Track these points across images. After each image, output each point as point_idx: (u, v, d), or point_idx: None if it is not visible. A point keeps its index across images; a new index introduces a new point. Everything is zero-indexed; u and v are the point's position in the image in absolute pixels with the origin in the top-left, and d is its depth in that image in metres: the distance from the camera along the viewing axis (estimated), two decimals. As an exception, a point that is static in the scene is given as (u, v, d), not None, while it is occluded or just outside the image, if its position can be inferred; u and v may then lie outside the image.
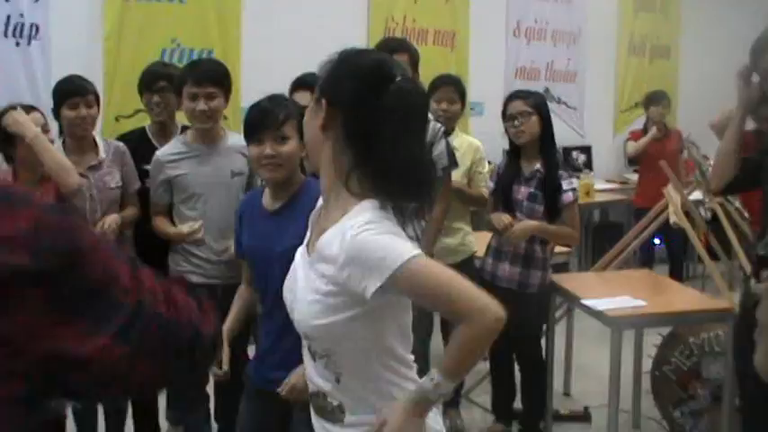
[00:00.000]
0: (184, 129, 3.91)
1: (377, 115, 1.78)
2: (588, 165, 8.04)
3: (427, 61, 7.01)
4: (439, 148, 3.84)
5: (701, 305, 3.82)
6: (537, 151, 4.05)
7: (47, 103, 5.35)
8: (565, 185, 4.02)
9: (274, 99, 2.81)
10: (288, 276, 2.03)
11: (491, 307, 1.75)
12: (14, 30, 5.32)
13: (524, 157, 4.08)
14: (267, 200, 2.82)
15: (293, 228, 2.44)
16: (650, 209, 4.59)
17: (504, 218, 3.98)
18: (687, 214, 4.19)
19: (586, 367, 5.13)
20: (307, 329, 1.90)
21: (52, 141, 3.40)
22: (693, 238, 3.95)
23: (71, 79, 3.77)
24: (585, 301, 3.84)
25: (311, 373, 1.98)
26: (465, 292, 1.76)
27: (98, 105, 3.75)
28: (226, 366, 2.83)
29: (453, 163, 4.00)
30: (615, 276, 4.46)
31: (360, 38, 6.74)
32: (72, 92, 3.65)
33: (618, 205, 7.47)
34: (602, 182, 7.87)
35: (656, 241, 8.31)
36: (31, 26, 5.37)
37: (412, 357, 1.97)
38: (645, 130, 6.96)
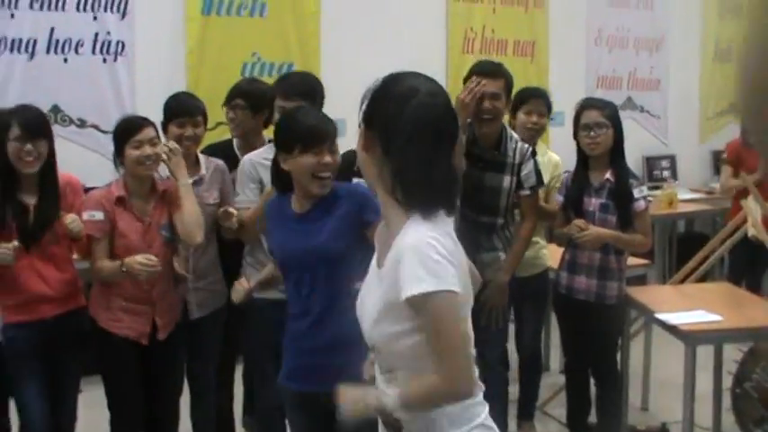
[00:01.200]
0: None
1: (401, 130, 1.90)
2: (673, 174, 7.89)
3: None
4: (528, 168, 3.92)
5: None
6: (607, 162, 4.01)
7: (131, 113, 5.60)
8: (636, 193, 3.99)
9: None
10: (360, 293, 2.11)
11: (466, 382, 1.89)
12: (102, 47, 5.51)
13: (593, 168, 4.04)
14: (296, 204, 2.93)
15: (324, 229, 2.76)
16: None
17: (579, 221, 3.95)
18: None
19: (666, 382, 5.02)
20: (373, 341, 2.00)
21: (157, 155, 3.48)
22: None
23: (182, 98, 3.89)
24: (659, 315, 3.78)
25: (380, 386, 2.04)
26: (457, 354, 1.86)
27: (205, 124, 3.83)
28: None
29: (540, 182, 4.03)
30: (692, 289, 4.37)
31: (438, 48, 6.78)
32: (181, 111, 3.74)
33: (703, 215, 7.27)
34: (686, 191, 7.70)
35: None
36: (118, 43, 5.55)
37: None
38: (743, 135, 6.13)
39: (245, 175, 3.71)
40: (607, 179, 4.00)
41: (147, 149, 3.42)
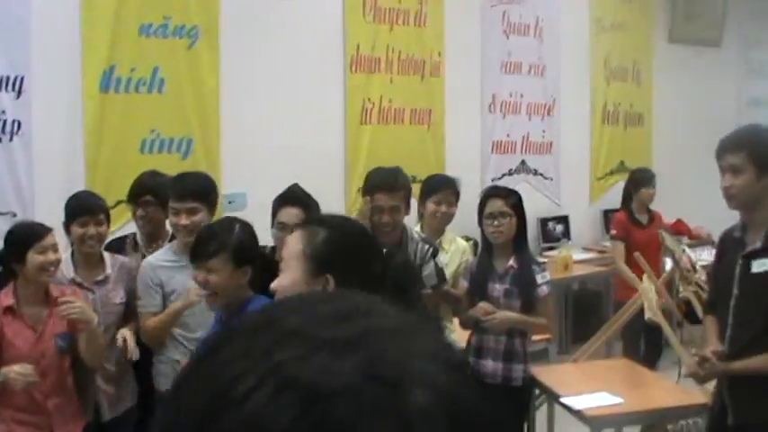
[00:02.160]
0: (173, 237, 3.97)
1: (374, 287, 1.88)
2: (566, 234, 8.15)
3: (404, 140, 7.17)
4: (428, 269, 3.98)
5: (678, 401, 3.88)
6: (511, 249, 4.14)
7: (29, 198, 5.48)
8: (539, 279, 4.12)
9: (221, 223, 3.10)
10: None
11: None
12: (-3, 127, 5.38)
13: (497, 255, 4.17)
14: None
15: None
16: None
17: (485, 305, 4.05)
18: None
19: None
20: None
21: (59, 261, 3.42)
22: (669, 335, 4.02)
23: (83, 197, 3.84)
24: (565, 400, 3.91)
25: None
26: None
27: (108, 222, 3.77)
28: None
29: (442, 280, 4.10)
30: (593, 368, 4.52)
31: (337, 120, 6.86)
32: (82, 210, 3.68)
33: (597, 277, 7.51)
34: (579, 251, 7.96)
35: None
36: (14, 122, 5.42)
37: None
38: (626, 209, 6.22)
39: (148, 279, 3.68)
40: (511, 266, 4.12)
41: (51, 255, 3.37)
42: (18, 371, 3.22)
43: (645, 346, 5.49)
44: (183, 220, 3.58)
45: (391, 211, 3.88)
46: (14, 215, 5.41)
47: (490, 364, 4.15)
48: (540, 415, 4.79)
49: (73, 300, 3.37)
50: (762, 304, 3.10)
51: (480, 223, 4.21)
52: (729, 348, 3.16)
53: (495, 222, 4.09)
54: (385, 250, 2.39)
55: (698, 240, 7.63)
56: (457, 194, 4.57)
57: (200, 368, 0.67)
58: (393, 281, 1.93)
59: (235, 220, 3.12)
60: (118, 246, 4.13)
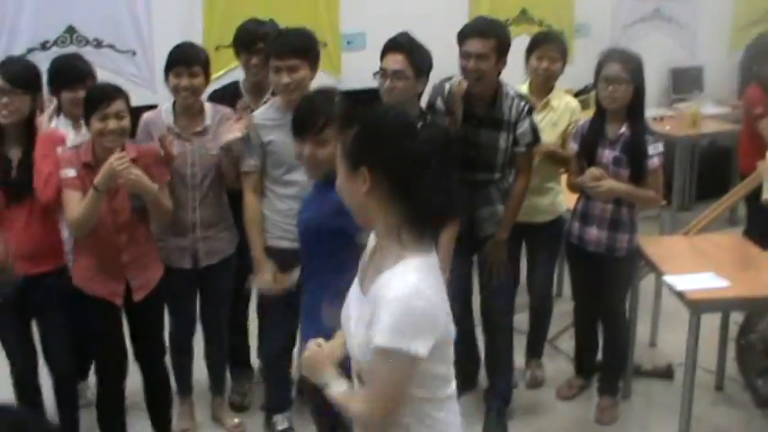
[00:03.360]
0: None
1: (415, 163, 1.92)
2: (699, 86, 7.74)
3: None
4: (524, 126, 3.84)
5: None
6: (624, 115, 3.95)
7: (147, 36, 5.53)
8: (651, 150, 3.94)
9: (321, 95, 2.99)
10: (343, 308, 2.17)
11: (376, 420, 2.01)
12: (116, -36, 5.38)
13: (610, 120, 3.99)
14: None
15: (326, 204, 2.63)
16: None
17: (594, 170, 3.93)
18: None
19: (675, 315, 5.02)
20: (358, 362, 2.06)
21: (122, 129, 3.39)
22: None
23: (182, 47, 3.77)
24: (667, 278, 3.80)
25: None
26: (382, 402, 1.97)
27: (206, 75, 3.72)
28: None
29: (537, 139, 3.94)
30: (704, 243, 4.34)
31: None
32: (176, 60, 3.66)
33: (728, 134, 7.07)
34: (713, 104, 7.57)
35: None
36: (132, -40, 5.42)
37: (444, 397, 2.08)
38: (762, 86, 5.37)
39: (249, 139, 3.68)
40: (622, 133, 3.95)
41: (111, 123, 3.31)
42: (112, 162, 3.25)
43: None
44: (286, 78, 3.54)
45: (478, 58, 3.71)
46: (134, 53, 5.50)
47: (595, 232, 4.06)
48: (648, 284, 4.73)
49: (131, 171, 3.31)
50: None
51: (595, 85, 4.02)
52: None
53: (611, 87, 3.89)
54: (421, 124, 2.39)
55: None
56: (562, 50, 4.35)
57: None
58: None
59: (334, 90, 3.06)
60: (221, 95, 4.11)
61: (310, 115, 2.87)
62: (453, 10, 6.26)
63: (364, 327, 1.96)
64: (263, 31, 4.11)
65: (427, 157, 1.91)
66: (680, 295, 3.70)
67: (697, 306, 3.66)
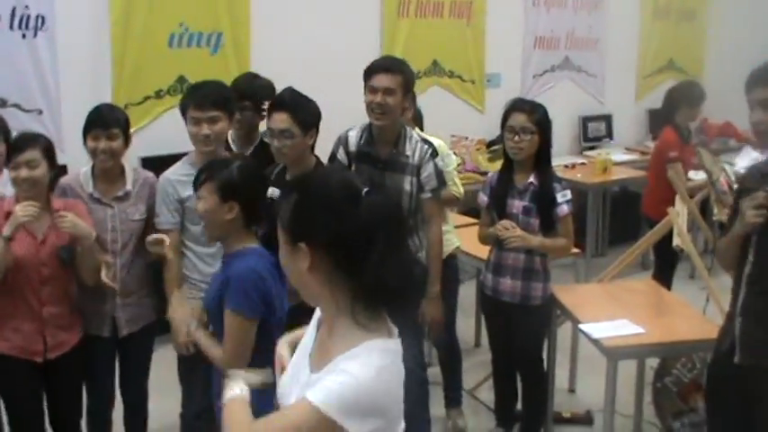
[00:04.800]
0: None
1: (359, 238, 1.71)
2: (609, 134, 7.93)
3: (443, 34, 6.95)
4: (428, 170, 3.83)
5: (702, 334, 3.71)
6: (531, 164, 4.00)
7: (54, 95, 5.41)
8: (559, 198, 3.98)
9: (217, 160, 3.24)
10: (286, 374, 2.00)
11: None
12: (20, 22, 5.25)
13: (518, 170, 4.03)
14: None
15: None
16: (660, 221, 4.48)
17: (506, 222, 3.96)
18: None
19: (593, 361, 5.08)
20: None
21: (33, 179, 3.35)
22: (698, 264, 3.86)
23: (100, 109, 3.68)
24: (583, 327, 3.82)
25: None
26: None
27: (125, 137, 3.63)
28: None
29: (442, 184, 3.94)
30: (618, 289, 4.40)
31: (374, 13, 6.62)
32: (94, 123, 3.56)
33: (637, 181, 7.24)
34: (622, 151, 7.75)
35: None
36: (37, 17, 5.29)
37: None
38: (678, 131, 5.75)
39: (165, 195, 3.62)
40: (531, 182, 3.99)
41: (23, 172, 3.30)
42: (19, 208, 3.23)
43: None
44: (205, 130, 3.51)
45: (384, 92, 3.72)
46: (40, 112, 5.37)
47: (509, 282, 4.07)
48: (565, 331, 4.76)
49: (65, 214, 3.33)
50: None
51: (502, 136, 4.06)
52: (749, 283, 3.03)
53: (516, 138, 3.94)
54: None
55: (746, 142, 7.33)
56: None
57: None
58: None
59: (238, 159, 3.19)
60: None
61: (201, 171, 3.05)
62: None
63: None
64: (250, 88, 4.31)
65: (373, 229, 1.71)
66: (596, 343, 3.72)
67: (613, 353, 3.68)
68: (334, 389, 1.66)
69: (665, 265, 5.47)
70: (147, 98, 5.76)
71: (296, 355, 1.99)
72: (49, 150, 3.40)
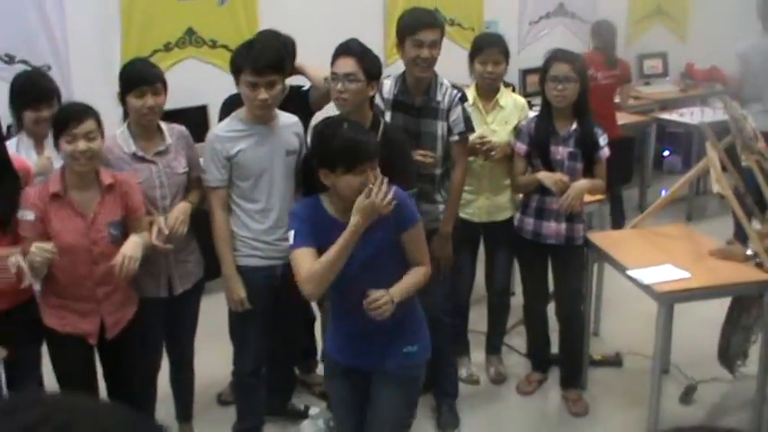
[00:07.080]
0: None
1: None
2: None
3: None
4: (455, 114, 3.90)
5: (748, 276, 3.82)
6: (572, 112, 4.09)
7: (63, 50, 5.29)
8: (602, 141, 4.13)
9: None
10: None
11: None
12: (27, -23, 5.13)
13: (559, 117, 4.11)
14: (334, 210, 2.96)
15: (370, 240, 2.87)
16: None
17: (558, 177, 4.05)
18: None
19: (615, 305, 5.21)
20: None
21: (91, 151, 3.20)
22: (738, 211, 3.91)
23: (138, 66, 3.59)
24: (632, 272, 3.87)
25: None
26: None
27: (166, 92, 3.52)
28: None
29: (470, 128, 3.99)
30: (652, 235, 4.43)
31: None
32: (139, 80, 3.43)
33: (627, 126, 7.30)
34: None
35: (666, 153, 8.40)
36: (44, -28, 5.18)
37: None
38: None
39: (213, 152, 3.56)
40: (574, 129, 4.08)
41: (81, 145, 3.14)
42: (37, 245, 3.07)
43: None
44: (263, 95, 3.44)
45: (431, 46, 3.79)
46: (49, 68, 5.24)
47: (553, 225, 4.16)
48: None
49: (121, 259, 3.21)
50: None
51: (542, 85, 4.10)
52: None
53: (561, 86, 4.00)
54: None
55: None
56: (504, 52, 4.34)
57: None
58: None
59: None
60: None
61: (368, 144, 2.94)
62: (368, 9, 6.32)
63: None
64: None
65: None
66: (647, 288, 3.79)
67: (666, 298, 3.75)
68: None
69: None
70: (155, 51, 5.66)
71: None
72: (100, 121, 3.26)
